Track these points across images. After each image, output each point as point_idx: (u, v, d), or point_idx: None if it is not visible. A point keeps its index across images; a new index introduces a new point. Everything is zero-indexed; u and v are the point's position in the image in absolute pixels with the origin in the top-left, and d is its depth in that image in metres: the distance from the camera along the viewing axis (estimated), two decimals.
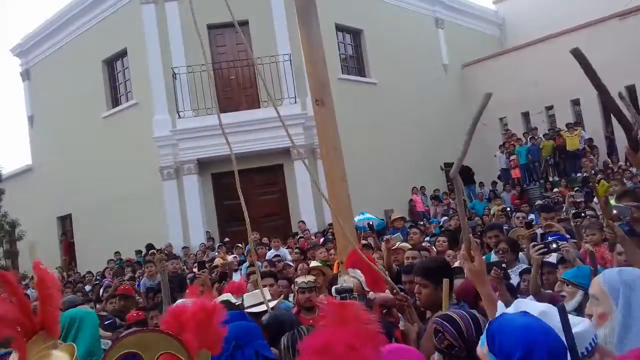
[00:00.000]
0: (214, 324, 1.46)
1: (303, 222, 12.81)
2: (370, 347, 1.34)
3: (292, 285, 4.82)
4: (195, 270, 7.15)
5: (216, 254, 10.09)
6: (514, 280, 4.51)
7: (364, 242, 6.03)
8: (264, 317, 3.28)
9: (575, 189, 12.46)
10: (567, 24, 17.13)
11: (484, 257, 4.96)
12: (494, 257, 5.00)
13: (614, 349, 1.69)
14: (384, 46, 16.30)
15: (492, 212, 11.68)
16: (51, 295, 1.71)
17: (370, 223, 7.89)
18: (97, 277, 11.92)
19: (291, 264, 7.94)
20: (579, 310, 2.87)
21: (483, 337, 1.54)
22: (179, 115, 13.19)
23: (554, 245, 3.63)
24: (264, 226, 12.59)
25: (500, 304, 1.74)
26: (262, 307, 3.53)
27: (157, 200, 13.50)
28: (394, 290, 3.52)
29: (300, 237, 11.39)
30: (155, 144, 13.52)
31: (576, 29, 16.84)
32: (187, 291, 3.39)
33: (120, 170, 14.43)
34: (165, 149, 13.52)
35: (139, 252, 13.08)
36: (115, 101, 15.73)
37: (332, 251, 7.31)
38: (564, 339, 1.43)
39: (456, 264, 4.39)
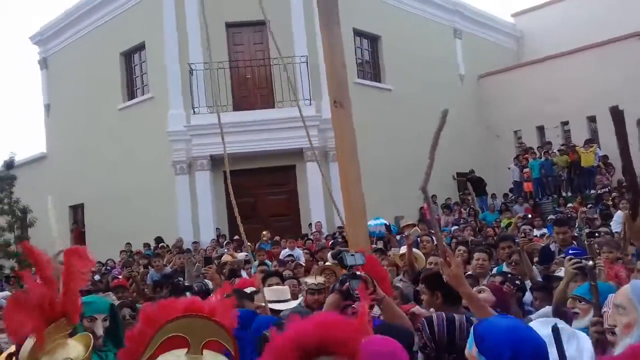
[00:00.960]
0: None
1: (319, 222, 12.74)
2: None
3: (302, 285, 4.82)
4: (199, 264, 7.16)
5: (225, 250, 10.08)
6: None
7: (374, 246, 6.03)
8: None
9: (589, 205, 12.40)
10: (585, 39, 17.01)
11: (495, 269, 4.99)
12: (505, 268, 5.00)
13: None
14: (401, 53, 16.27)
15: (502, 224, 11.64)
16: (75, 284, 1.74)
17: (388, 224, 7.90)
18: (107, 268, 11.98)
19: (303, 264, 7.97)
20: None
21: (470, 340, 1.59)
22: (194, 111, 13.24)
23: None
24: (273, 226, 12.57)
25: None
26: (284, 305, 3.54)
27: (169, 195, 13.54)
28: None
29: (309, 239, 11.35)
30: (169, 139, 13.60)
31: (594, 46, 16.74)
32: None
33: (134, 162, 14.51)
34: (179, 143, 13.57)
35: (146, 245, 13.14)
36: (131, 94, 15.82)
37: None
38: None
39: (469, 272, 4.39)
